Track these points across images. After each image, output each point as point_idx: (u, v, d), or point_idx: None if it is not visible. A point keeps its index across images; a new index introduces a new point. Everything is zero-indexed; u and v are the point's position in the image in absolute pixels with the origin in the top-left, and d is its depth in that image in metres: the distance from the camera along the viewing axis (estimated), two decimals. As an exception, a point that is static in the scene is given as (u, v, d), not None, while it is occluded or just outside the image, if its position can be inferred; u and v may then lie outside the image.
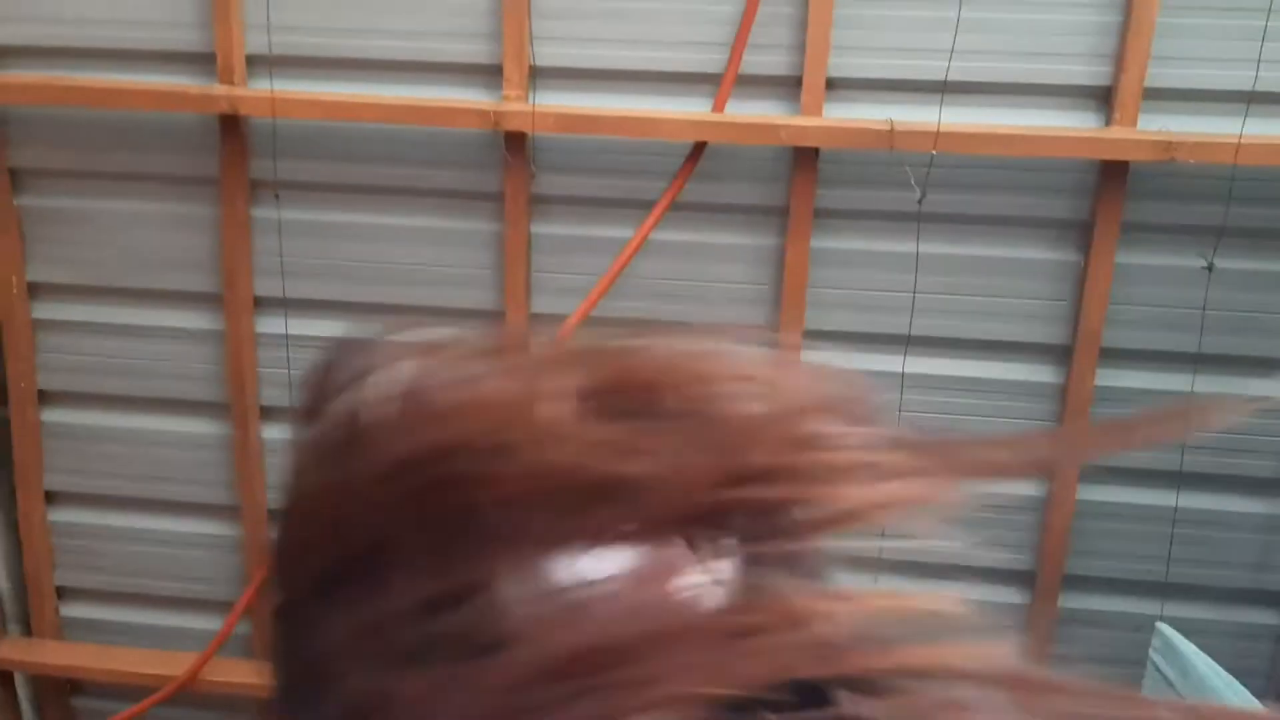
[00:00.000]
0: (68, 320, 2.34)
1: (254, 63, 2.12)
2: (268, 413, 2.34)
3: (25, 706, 2.63)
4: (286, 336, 2.26)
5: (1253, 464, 2.15)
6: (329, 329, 2.27)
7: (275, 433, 2.34)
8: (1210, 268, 2.04)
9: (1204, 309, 2.06)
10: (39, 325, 2.35)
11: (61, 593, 2.55)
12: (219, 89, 2.08)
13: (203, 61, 2.13)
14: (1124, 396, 2.14)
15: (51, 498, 2.48)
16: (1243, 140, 1.91)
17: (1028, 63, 2.00)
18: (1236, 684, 1.64)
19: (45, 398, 2.40)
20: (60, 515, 2.49)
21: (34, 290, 2.33)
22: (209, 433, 2.38)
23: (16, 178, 2.26)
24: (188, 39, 2.13)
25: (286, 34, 2.10)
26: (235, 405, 2.31)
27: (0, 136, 2.21)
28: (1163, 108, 1.98)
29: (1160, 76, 1.97)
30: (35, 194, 2.27)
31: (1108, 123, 2.00)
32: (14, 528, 2.50)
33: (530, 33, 2.04)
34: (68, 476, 2.45)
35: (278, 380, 2.30)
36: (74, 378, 2.37)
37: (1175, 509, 2.14)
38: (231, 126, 2.12)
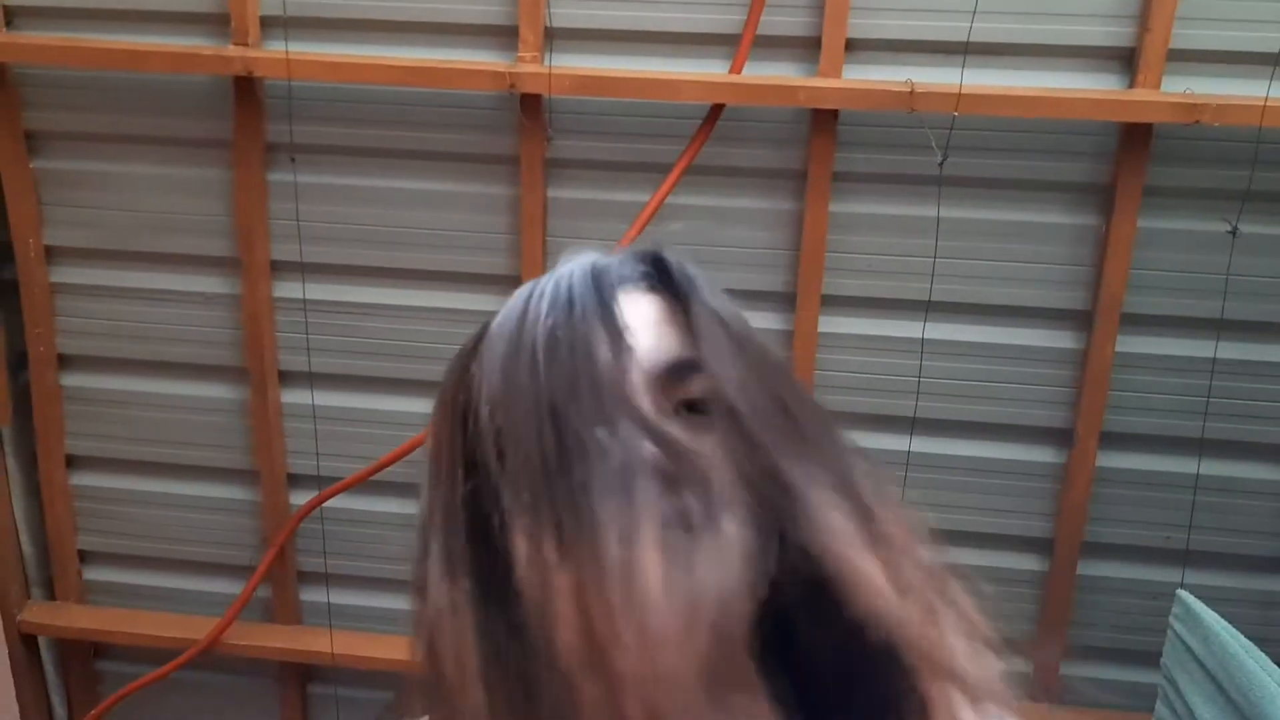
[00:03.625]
0: (85, 284, 2.34)
1: (268, 24, 2.11)
2: (286, 377, 2.35)
3: (49, 669, 2.66)
4: (304, 301, 2.26)
5: (1276, 431, 2.13)
6: (346, 293, 2.27)
7: (293, 397, 2.35)
8: (1234, 232, 2.01)
9: (1228, 274, 2.03)
10: (57, 289, 2.35)
11: (84, 556, 2.57)
12: (233, 50, 2.06)
13: (217, 23, 2.12)
14: (1145, 363, 2.12)
15: (72, 462, 2.49)
16: (1269, 103, 1.88)
17: (1051, 23, 1.97)
18: (1258, 652, 1.63)
19: (64, 362, 2.41)
20: (81, 479, 2.50)
21: (51, 254, 2.33)
22: (228, 397, 2.39)
23: (32, 140, 2.25)
24: (202, 0, 2.11)
25: (301, -5, 2.09)
26: (253, 370, 2.31)
27: (15, 98, 2.21)
28: (1188, 69, 1.95)
29: (1185, 38, 1.94)
30: (51, 156, 2.27)
31: (1131, 85, 1.97)
32: (36, 492, 2.52)
33: (546, -7, 2.02)
34: (88, 441, 2.46)
35: (296, 345, 2.30)
36: (92, 341, 2.38)
37: (1197, 476, 2.13)
38: (246, 89, 2.12)
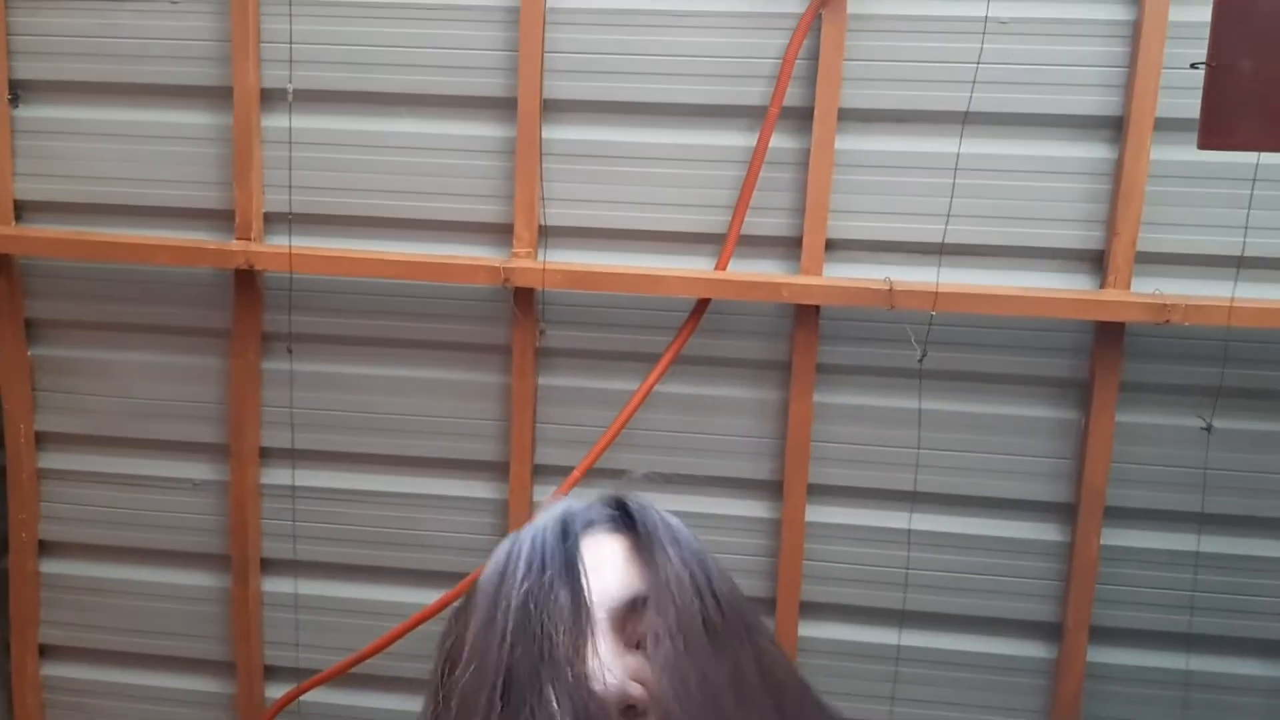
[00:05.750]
0: (73, 470, 2.34)
1: (269, 219, 2.18)
2: (269, 565, 2.32)
3: None
4: (293, 487, 2.26)
5: (1263, 625, 2.11)
6: (335, 479, 2.27)
7: (276, 585, 2.32)
8: (1209, 428, 2.05)
9: (1205, 469, 2.06)
10: (44, 474, 2.35)
11: (50, 751, 2.48)
12: (236, 245, 2.13)
13: (217, 217, 2.19)
14: (1130, 555, 2.12)
15: (45, 651, 2.43)
16: (1235, 303, 1.95)
17: (1023, 226, 2.05)
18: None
19: (45, 548, 2.39)
20: (54, 670, 2.44)
21: (41, 439, 2.34)
22: (209, 585, 2.35)
23: (32, 328, 2.30)
24: (205, 196, 2.20)
25: (303, 193, 2.17)
26: (236, 556, 2.29)
27: (19, 288, 2.26)
28: (1156, 270, 2.03)
29: (1152, 241, 2.02)
30: (49, 344, 2.31)
31: (1102, 284, 2.04)
32: (6, 682, 2.45)
33: (541, 194, 2.11)
34: (63, 630, 2.41)
35: (281, 532, 2.29)
36: (76, 528, 2.36)
37: (1186, 672, 2.10)
38: (246, 280, 2.17)
